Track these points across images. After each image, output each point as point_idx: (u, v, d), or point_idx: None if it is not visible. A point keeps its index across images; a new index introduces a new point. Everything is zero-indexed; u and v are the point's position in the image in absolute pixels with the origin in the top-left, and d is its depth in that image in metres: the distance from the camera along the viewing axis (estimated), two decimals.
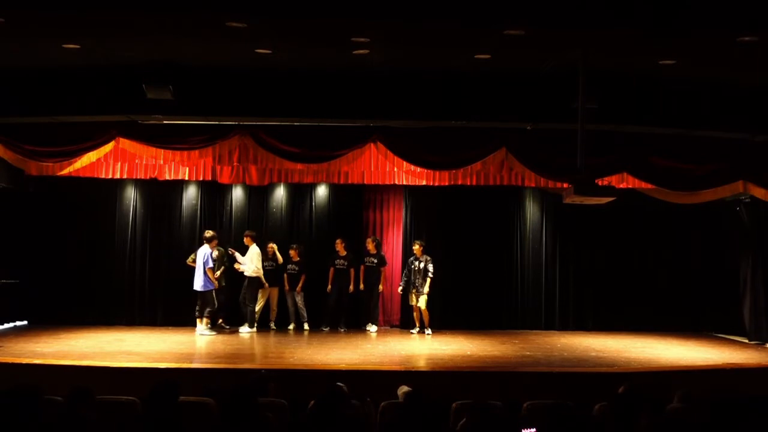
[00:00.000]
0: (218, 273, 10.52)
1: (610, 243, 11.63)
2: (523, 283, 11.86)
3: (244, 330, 10.49)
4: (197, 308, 10.24)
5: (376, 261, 11.02)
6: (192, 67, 8.31)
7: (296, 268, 10.97)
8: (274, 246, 10.99)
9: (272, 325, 10.98)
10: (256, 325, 10.67)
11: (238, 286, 10.87)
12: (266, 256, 10.90)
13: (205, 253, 10.14)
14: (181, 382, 4.49)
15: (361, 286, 11.00)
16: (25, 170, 9.80)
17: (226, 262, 10.84)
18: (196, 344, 9.37)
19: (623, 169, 9.40)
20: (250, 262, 10.60)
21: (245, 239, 10.71)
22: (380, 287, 11.17)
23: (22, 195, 10.72)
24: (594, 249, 11.71)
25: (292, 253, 10.99)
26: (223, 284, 10.80)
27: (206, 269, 10.09)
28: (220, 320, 10.92)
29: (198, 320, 10.21)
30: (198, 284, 10.13)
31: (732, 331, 11.04)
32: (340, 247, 10.94)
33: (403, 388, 5.02)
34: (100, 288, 11.21)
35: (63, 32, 7.18)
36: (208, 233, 10.33)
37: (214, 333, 10.13)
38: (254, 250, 10.68)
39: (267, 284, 10.85)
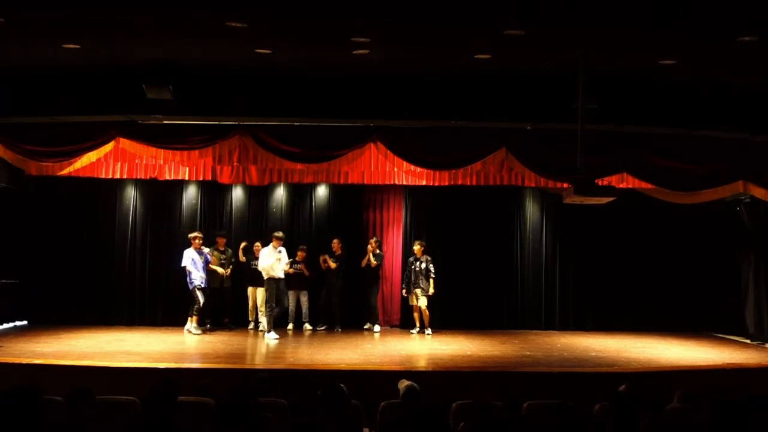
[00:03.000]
0: (227, 271, 10.71)
1: (610, 243, 11.62)
2: (523, 283, 11.86)
3: (272, 336, 9.92)
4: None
5: (377, 262, 11.04)
6: (192, 67, 8.31)
7: (301, 268, 10.97)
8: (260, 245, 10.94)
9: (262, 326, 10.74)
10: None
11: (243, 286, 10.93)
12: (253, 256, 10.85)
13: (188, 253, 10.20)
14: (181, 382, 4.49)
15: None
16: (25, 170, 9.80)
17: (233, 262, 10.89)
18: (196, 344, 9.37)
19: (623, 169, 9.40)
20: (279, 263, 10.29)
21: (275, 242, 10.10)
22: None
23: (22, 195, 10.73)
24: (594, 249, 11.70)
25: (299, 254, 10.98)
26: (228, 284, 10.83)
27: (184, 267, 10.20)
28: (226, 320, 10.89)
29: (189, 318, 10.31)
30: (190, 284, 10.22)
31: (732, 331, 11.04)
32: (336, 246, 10.93)
33: (404, 382, 5.01)
34: (100, 288, 11.21)
35: (63, 32, 7.17)
36: (190, 234, 10.42)
37: (199, 332, 10.10)
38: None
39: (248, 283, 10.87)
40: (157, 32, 7.20)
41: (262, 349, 9.35)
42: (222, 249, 10.84)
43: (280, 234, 10.20)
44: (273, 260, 10.01)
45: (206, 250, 10.56)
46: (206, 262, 10.40)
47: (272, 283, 10.02)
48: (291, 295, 11.01)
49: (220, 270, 10.66)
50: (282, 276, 10.23)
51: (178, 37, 7.35)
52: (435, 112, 8.81)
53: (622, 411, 4.19)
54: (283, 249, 10.18)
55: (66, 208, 11.24)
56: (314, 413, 4.02)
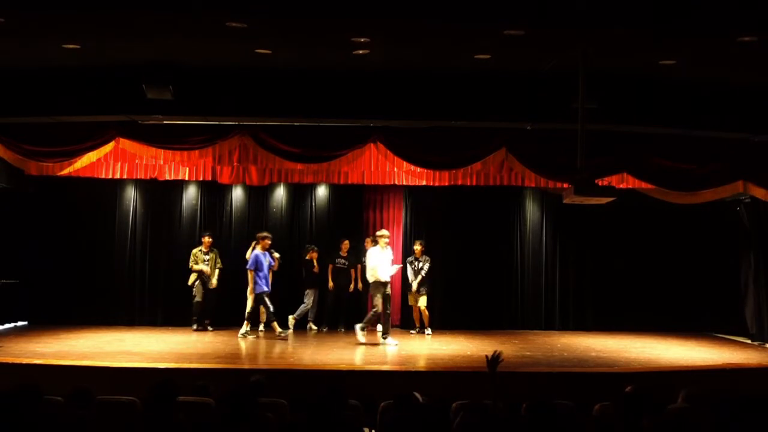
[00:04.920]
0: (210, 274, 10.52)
1: (610, 243, 11.63)
2: (523, 283, 11.86)
3: (391, 341, 9.32)
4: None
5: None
6: (192, 67, 8.31)
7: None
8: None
9: (261, 327, 10.64)
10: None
11: (230, 287, 10.82)
12: None
13: (255, 255, 9.93)
14: (181, 382, 4.49)
15: (359, 286, 10.99)
16: (25, 170, 9.78)
17: (218, 264, 10.78)
18: (195, 344, 9.36)
19: (623, 169, 9.40)
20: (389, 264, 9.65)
21: (381, 242, 9.52)
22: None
23: (22, 195, 10.72)
24: (594, 249, 11.71)
25: (312, 254, 10.95)
26: (213, 286, 10.68)
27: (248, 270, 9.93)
28: (207, 321, 10.68)
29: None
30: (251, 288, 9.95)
31: (732, 332, 11.04)
32: (345, 247, 10.91)
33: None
34: (101, 288, 11.21)
35: (63, 32, 7.17)
36: (259, 233, 10.20)
37: (252, 336, 9.90)
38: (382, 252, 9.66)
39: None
40: (157, 32, 7.20)
41: (262, 349, 9.35)
42: (206, 250, 10.68)
43: (386, 233, 9.65)
44: (380, 262, 9.40)
45: (276, 255, 10.33)
46: (270, 265, 10.13)
47: (379, 287, 9.37)
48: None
49: (205, 268, 10.55)
50: (388, 279, 9.50)
51: (178, 37, 7.34)
52: (435, 112, 8.81)
53: (624, 411, 4.19)
54: (389, 249, 9.64)
55: (66, 208, 11.25)
56: (314, 413, 4.01)
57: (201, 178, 10.36)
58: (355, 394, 5.19)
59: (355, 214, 11.70)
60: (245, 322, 10.02)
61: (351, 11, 6.45)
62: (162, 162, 9.96)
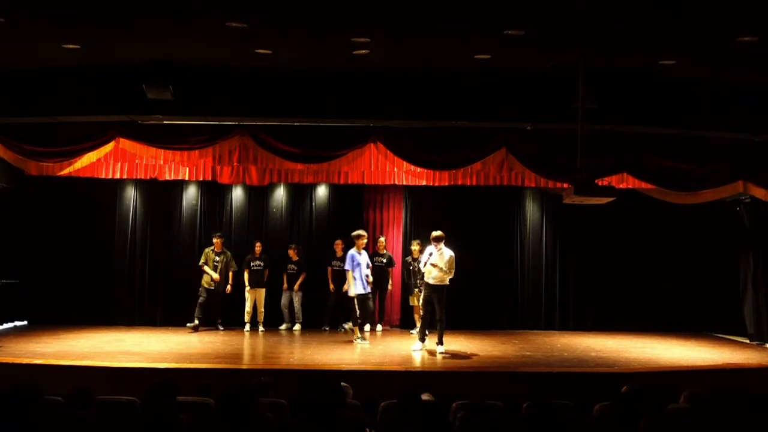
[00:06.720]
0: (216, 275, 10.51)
1: (610, 243, 11.63)
2: (523, 283, 11.87)
3: (417, 347, 8.98)
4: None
5: (384, 261, 11.04)
6: (192, 67, 8.31)
7: (295, 268, 10.97)
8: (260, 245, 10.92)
9: (261, 327, 10.76)
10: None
11: (233, 288, 10.79)
12: (254, 256, 10.82)
13: (351, 255, 9.49)
14: (181, 382, 4.49)
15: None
16: (25, 170, 9.78)
17: (233, 266, 10.74)
18: (195, 344, 9.36)
19: (623, 169, 9.40)
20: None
21: (433, 243, 8.84)
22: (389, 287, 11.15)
23: (22, 195, 10.72)
24: (594, 249, 11.70)
25: (290, 252, 11.00)
26: (223, 288, 10.70)
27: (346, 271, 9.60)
28: (219, 320, 10.79)
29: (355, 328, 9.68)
30: (350, 291, 9.54)
31: (732, 331, 11.04)
32: (338, 248, 10.92)
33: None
34: (100, 288, 11.21)
35: (63, 32, 7.17)
36: (354, 232, 9.74)
37: (366, 342, 9.47)
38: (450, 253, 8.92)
39: (249, 285, 10.73)
40: (157, 32, 7.21)
41: (262, 349, 9.35)
42: (219, 251, 10.70)
43: (433, 234, 8.90)
44: (427, 265, 8.86)
45: (363, 254, 9.84)
46: (367, 265, 9.71)
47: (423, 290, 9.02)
48: (284, 295, 11.02)
49: (214, 275, 10.55)
50: (431, 282, 8.82)
51: (178, 37, 7.35)
52: (435, 112, 8.81)
53: (624, 411, 4.19)
54: (444, 250, 8.80)
55: (66, 208, 11.24)
56: (314, 413, 4.02)
57: (201, 178, 10.35)
58: (355, 394, 5.20)
59: (355, 214, 11.68)
60: (355, 327, 9.66)
61: (351, 11, 6.45)
62: (162, 162, 9.96)
